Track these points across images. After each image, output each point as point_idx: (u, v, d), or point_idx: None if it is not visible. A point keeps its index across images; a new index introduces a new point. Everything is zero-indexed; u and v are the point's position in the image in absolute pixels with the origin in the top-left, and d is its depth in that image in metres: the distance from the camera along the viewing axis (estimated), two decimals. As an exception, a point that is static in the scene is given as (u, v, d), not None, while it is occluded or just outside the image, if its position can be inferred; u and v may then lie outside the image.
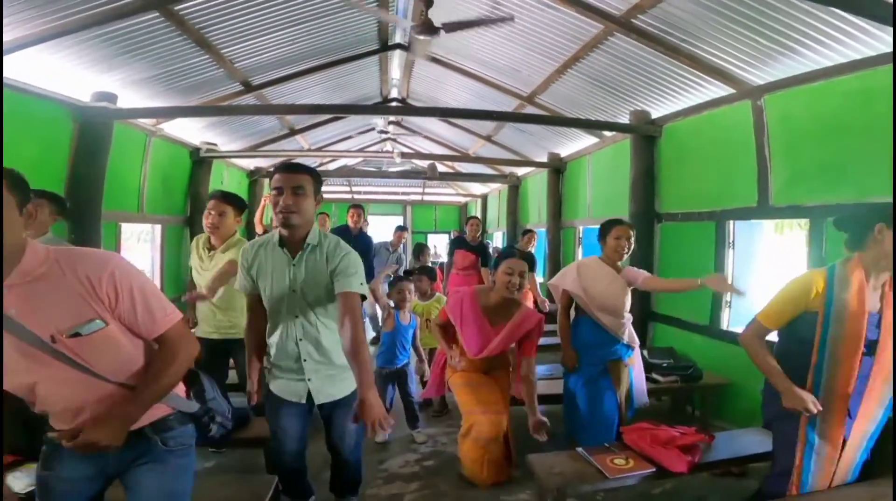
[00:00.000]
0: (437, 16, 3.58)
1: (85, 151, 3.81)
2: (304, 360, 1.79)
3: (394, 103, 7.00)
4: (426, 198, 12.15)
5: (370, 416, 1.49)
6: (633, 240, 2.77)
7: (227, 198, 2.72)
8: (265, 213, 5.00)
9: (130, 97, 4.12)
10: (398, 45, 5.18)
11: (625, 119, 4.79)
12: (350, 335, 1.64)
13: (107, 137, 3.92)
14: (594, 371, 2.75)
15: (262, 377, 1.98)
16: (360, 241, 5.00)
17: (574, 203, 6.45)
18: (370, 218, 12.02)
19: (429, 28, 3.59)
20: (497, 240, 9.94)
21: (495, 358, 2.66)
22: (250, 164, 7.49)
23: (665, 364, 3.57)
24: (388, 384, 3.34)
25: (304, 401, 1.85)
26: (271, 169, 7.78)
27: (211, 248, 2.74)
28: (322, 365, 1.81)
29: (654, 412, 2.97)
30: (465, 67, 5.29)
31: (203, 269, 2.75)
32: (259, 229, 5.44)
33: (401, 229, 5.81)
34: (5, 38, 2.78)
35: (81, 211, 3.77)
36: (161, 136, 4.99)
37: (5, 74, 3.04)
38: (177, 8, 3.17)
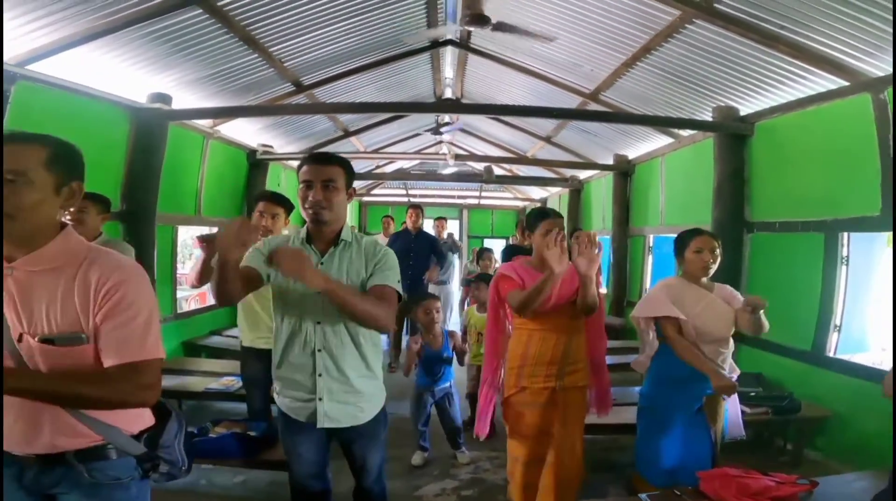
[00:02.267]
0: (492, 9, 3.29)
1: (141, 152, 3.88)
2: (320, 374, 1.57)
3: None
4: (483, 202, 11.80)
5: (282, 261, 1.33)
6: (718, 253, 2.27)
7: (277, 199, 2.58)
8: None
9: (186, 98, 4.17)
10: (450, 42, 4.91)
11: (706, 116, 4.20)
12: (369, 299, 1.50)
13: (162, 139, 3.97)
14: (690, 410, 2.26)
15: None
16: (420, 240, 4.90)
17: (643, 209, 5.84)
18: (425, 221, 11.99)
19: (478, 18, 3.30)
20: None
21: (562, 316, 2.18)
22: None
23: (753, 393, 3.15)
24: (427, 401, 3.04)
25: (315, 424, 1.60)
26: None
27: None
28: (337, 384, 1.58)
29: (736, 446, 2.48)
30: (521, 62, 4.91)
31: None
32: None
33: (440, 218, 5.79)
34: (52, 37, 2.81)
35: (136, 214, 3.84)
36: (218, 138, 5.06)
37: (60, 75, 3.10)
38: (220, 4, 3.09)
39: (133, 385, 1.03)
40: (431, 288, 5.34)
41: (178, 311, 4.67)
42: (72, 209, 2.54)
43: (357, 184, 10.54)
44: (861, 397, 2.88)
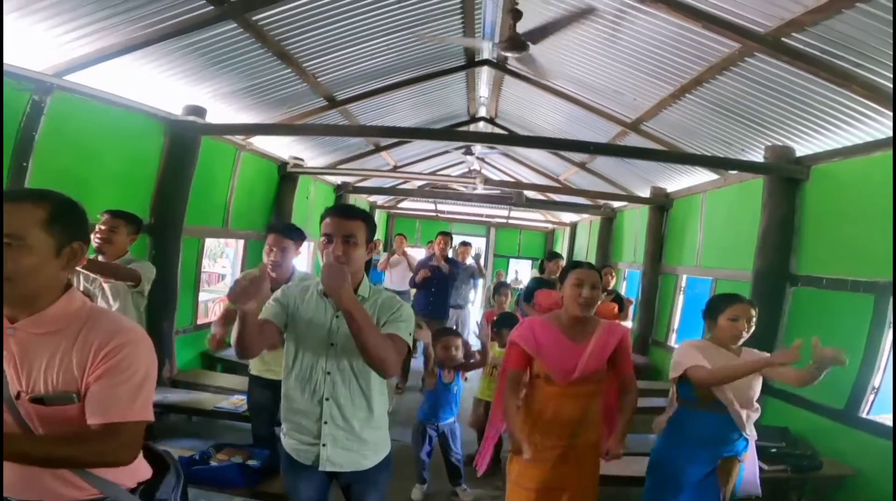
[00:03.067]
0: (528, 28, 3.18)
1: (173, 165, 3.89)
2: (325, 422, 1.60)
3: (481, 123, 6.67)
4: (511, 221, 11.61)
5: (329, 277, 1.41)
6: (754, 321, 2.12)
7: (286, 232, 2.52)
8: None
9: (221, 110, 4.19)
10: (486, 62, 4.81)
11: (757, 154, 3.94)
12: (385, 338, 1.51)
13: (194, 152, 3.98)
14: (704, 471, 2.11)
15: None
16: (449, 268, 5.03)
17: (679, 247, 5.56)
18: (453, 237, 11.90)
19: (516, 44, 3.18)
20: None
21: (581, 390, 2.08)
22: (337, 178, 7.58)
23: (775, 449, 3.00)
24: (428, 437, 3.00)
25: (318, 467, 1.63)
26: (359, 184, 7.84)
27: (271, 289, 2.52)
28: (342, 432, 1.61)
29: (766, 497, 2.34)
30: (559, 87, 4.76)
31: None
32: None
33: (464, 243, 5.78)
34: (91, 48, 2.83)
35: (164, 227, 3.86)
36: (250, 150, 5.09)
37: (97, 85, 3.13)
38: (254, 18, 3.08)
39: (112, 446, 1.02)
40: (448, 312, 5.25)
41: (198, 322, 4.67)
42: (102, 227, 2.57)
43: (384, 198, 10.54)
44: (888, 457, 2.73)
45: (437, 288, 4.94)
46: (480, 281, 6.40)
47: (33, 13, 2.45)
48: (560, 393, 2.03)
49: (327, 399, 1.58)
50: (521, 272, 11.45)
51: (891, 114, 2.79)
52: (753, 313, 2.11)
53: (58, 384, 1.02)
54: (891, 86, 2.61)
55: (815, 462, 2.92)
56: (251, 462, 2.73)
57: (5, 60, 2.50)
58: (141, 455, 1.12)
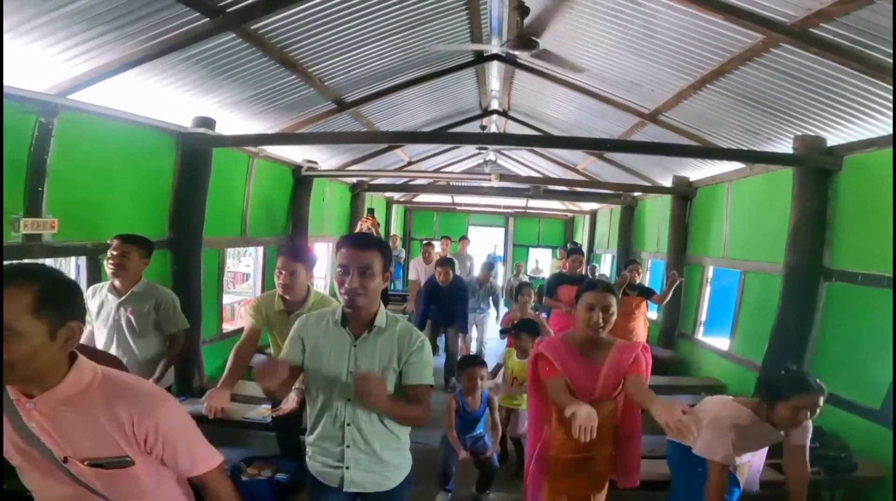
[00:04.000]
0: (549, 26, 3.05)
1: (187, 178, 3.91)
2: (348, 446, 1.64)
3: (494, 116, 6.53)
4: (530, 210, 11.44)
5: (365, 383, 1.44)
6: (819, 410, 1.90)
7: (297, 256, 2.50)
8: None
9: (231, 118, 4.19)
10: (495, 56, 4.67)
11: (786, 144, 3.74)
12: (415, 407, 1.61)
13: (207, 164, 4.00)
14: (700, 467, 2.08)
15: None
16: (453, 293, 4.79)
17: (704, 238, 5.37)
18: (471, 228, 11.82)
19: (524, 42, 3.07)
20: (605, 263, 8.95)
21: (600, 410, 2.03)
22: (352, 177, 7.58)
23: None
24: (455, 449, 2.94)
25: (342, 488, 1.69)
26: (374, 182, 7.81)
27: (287, 311, 2.54)
28: (364, 455, 1.65)
29: (777, 497, 2.25)
30: (573, 79, 4.59)
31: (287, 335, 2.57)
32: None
33: (489, 267, 5.50)
34: (91, 65, 2.81)
35: (183, 241, 3.90)
36: (263, 156, 5.09)
37: (103, 102, 3.12)
38: (253, 27, 3.03)
39: (222, 491, 1.23)
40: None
41: (223, 330, 4.77)
42: (114, 253, 2.61)
43: (400, 193, 10.41)
44: None
45: (446, 309, 4.78)
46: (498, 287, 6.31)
47: (26, 33, 2.41)
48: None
49: (349, 425, 1.62)
50: (542, 261, 11.32)
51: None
52: (821, 404, 1.87)
53: (104, 450, 1.07)
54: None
55: (850, 463, 2.87)
56: (279, 476, 2.81)
57: (6, 83, 2.46)
58: (183, 488, 1.24)
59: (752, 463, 2.25)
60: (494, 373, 3.54)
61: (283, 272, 2.43)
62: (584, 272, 4.93)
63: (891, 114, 2.88)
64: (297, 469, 2.67)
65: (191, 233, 3.96)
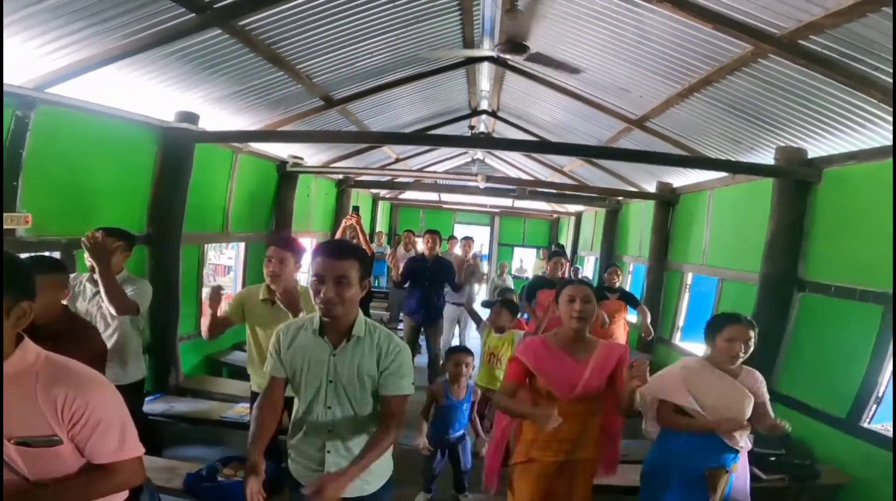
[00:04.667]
0: (539, 32, 3.05)
1: (168, 172, 3.82)
2: (329, 451, 1.65)
3: (483, 116, 6.53)
4: (515, 210, 11.49)
5: (320, 492, 1.44)
6: (752, 343, 2.11)
7: (286, 245, 2.50)
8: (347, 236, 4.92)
9: (215, 113, 4.10)
10: (486, 58, 4.66)
11: (768, 153, 3.82)
12: (383, 435, 1.59)
13: (189, 159, 3.91)
14: (687, 482, 2.16)
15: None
16: (436, 266, 4.73)
17: (685, 244, 5.47)
18: (457, 226, 11.82)
19: (515, 47, 3.07)
20: (588, 265, 9.04)
21: (582, 407, 2.12)
22: (338, 173, 7.50)
23: (774, 458, 3.00)
24: (437, 450, 2.99)
25: None
26: (360, 178, 7.74)
27: (271, 301, 2.51)
28: (344, 461, 1.64)
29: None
30: (563, 83, 4.61)
31: (267, 324, 2.51)
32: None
33: (466, 238, 5.59)
34: (71, 59, 2.73)
35: (162, 236, 3.81)
36: (247, 152, 5.00)
37: (83, 97, 3.03)
38: (241, 23, 2.96)
39: (115, 482, 1.20)
40: (448, 308, 5.14)
41: (201, 328, 4.67)
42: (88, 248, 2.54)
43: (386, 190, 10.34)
44: (885, 466, 2.77)
45: (428, 287, 4.66)
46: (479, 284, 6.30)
47: (6, 27, 2.31)
48: (561, 410, 2.01)
49: (329, 431, 1.63)
50: (526, 261, 11.40)
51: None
52: (752, 334, 2.09)
53: (34, 429, 1.08)
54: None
55: (813, 470, 2.93)
56: (255, 477, 2.77)
57: None
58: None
59: (738, 474, 2.29)
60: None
61: (273, 260, 2.42)
62: (565, 275, 4.95)
63: (874, 127, 2.96)
64: (274, 470, 2.64)
65: (170, 228, 3.87)
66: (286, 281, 2.45)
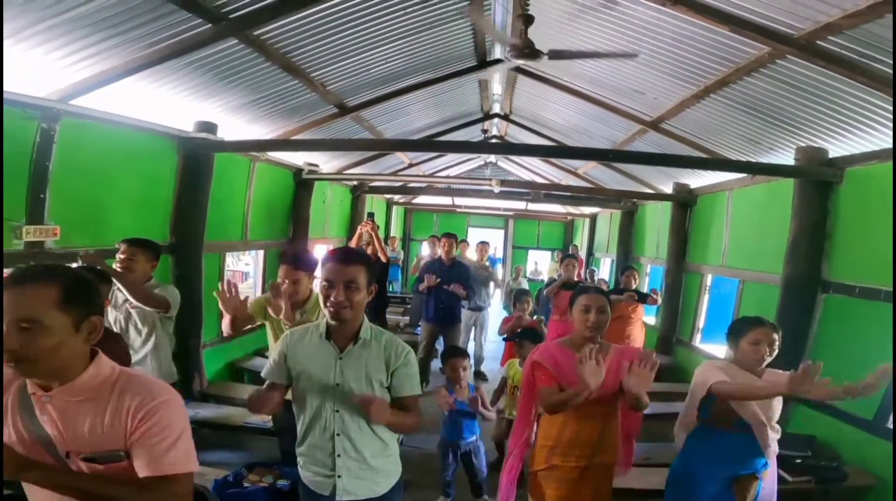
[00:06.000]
0: (540, 36, 3.04)
1: (189, 182, 3.91)
2: (339, 455, 1.67)
3: (495, 119, 6.55)
4: (529, 212, 11.43)
5: (372, 407, 1.52)
6: (777, 345, 2.10)
7: (299, 264, 2.54)
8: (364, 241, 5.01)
9: (232, 123, 4.18)
10: (498, 61, 4.68)
11: (787, 154, 3.76)
12: (410, 418, 1.67)
13: (209, 168, 4.00)
14: (716, 489, 2.14)
15: None
16: (453, 270, 4.75)
17: (703, 246, 5.39)
18: (471, 230, 11.83)
19: (529, 52, 3.05)
20: (604, 267, 8.96)
21: (600, 408, 2.11)
22: (353, 180, 7.57)
23: (800, 459, 2.98)
24: (450, 454, 3.01)
25: (335, 497, 1.71)
26: (375, 184, 7.81)
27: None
28: (355, 463, 1.69)
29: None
30: (576, 86, 4.60)
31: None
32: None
33: (482, 243, 5.55)
34: (93, 71, 2.80)
35: (184, 246, 3.90)
36: (265, 160, 5.09)
37: (104, 108, 3.11)
38: (256, 33, 3.02)
39: (164, 494, 1.10)
40: (465, 313, 5.18)
41: (223, 334, 4.76)
42: (121, 257, 2.62)
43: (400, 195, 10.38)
44: None
45: (446, 294, 4.66)
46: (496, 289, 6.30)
47: (27, 38, 2.41)
48: (578, 414, 2.06)
49: (338, 435, 1.65)
50: (541, 263, 11.33)
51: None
52: (776, 337, 2.10)
53: (103, 444, 1.09)
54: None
55: (840, 472, 2.90)
56: (280, 483, 2.83)
57: (8, 89, 2.45)
58: None
59: (766, 482, 2.26)
60: (499, 392, 3.48)
61: (287, 282, 2.46)
62: (581, 277, 4.94)
63: (892, 127, 2.90)
64: (298, 476, 2.69)
65: (192, 238, 3.96)
66: (301, 298, 2.54)
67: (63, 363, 1.05)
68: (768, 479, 2.30)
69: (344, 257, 1.63)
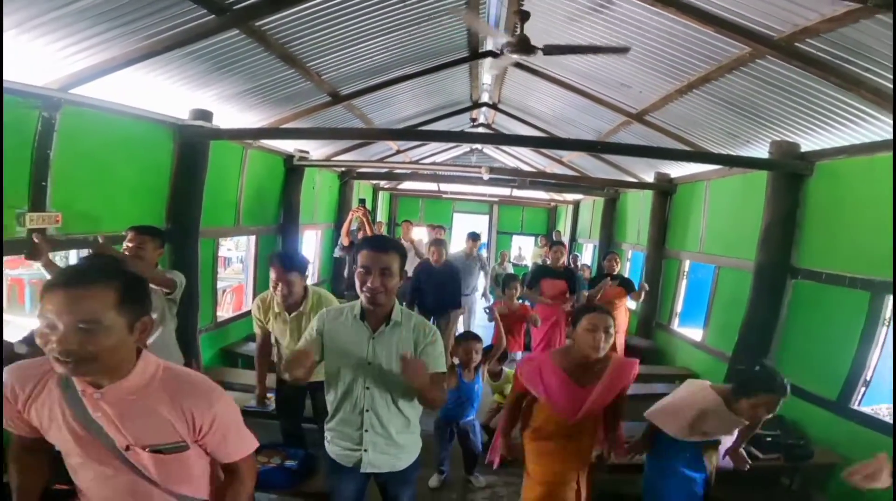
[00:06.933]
0: (533, 30, 3.15)
1: (185, 169, 3.92)
2: (366, 430, 1.79)
3: (483, 108, 6.64)
4: (514, 198, 11.61)
5: (411, 365, 1.60)
6: (777, 409, 2.07)
7: (289, 266, 2.60)
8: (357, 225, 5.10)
9: (226, 111, 4.18)
10: (489, 53, 4.76)
11: (763, 147, 3.98)
12: (437, 391, 1.74)
13: (204, 156, 4.01)
14: (683, 458, 2.28)
15: None
16: (445, 273, 4.68)
17: (682, 233, 5.64)
18: (455, 215, 11.95)
19: (524, 47, 3.15)
20: (587, 253, 9.23)
21: (585, 424, 2.25)
22: (343, 166, 7.57)
23: (770, 438, 3.12)
24: (448, 432, 3.17)
25: (360, 469, 1.85)
26: (363, 170, 7.83)
27: (287, 311, 2.70)
28: (381, 438, 1.81)
29: (744, 482, 2.52)
30: (564, 78, 4.73)
31: (291, 332, 2.70)
32: (345, 242, 5.45)
33: (475, 236, 5.46)
34: (93, 61, 2.80)
35: (181, 232, 3.92)
36: (257, 146, 5.09)
37: (105, 97, 3.11)
38: (258, 24, 3.05)
39: (249, 476, 1.34)
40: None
41: (217, 319, 4.82)
42: (130, 245, 2.66)
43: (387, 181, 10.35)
44: (874, 447, 2.80)
45: (437, 295, 4.60)
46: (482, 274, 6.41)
47: (31, 29, 2.41)
48: (563, 430, 2.19)
49: (367, 411, 1.77)
50: (525, 249, 11.56)
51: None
52: (781, 403, 2.04)
53: (164, 437, 1.17)
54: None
55: (807, 450, 3.08)
56: (289, 463, 2.93)
57: (9, 78, 2.45)
58: (210, 468, 1.34)
59: (724, 444, 2.41)
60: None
61: (280, 284, 2.55)
62: (566, 264, 5.09)
63: (864, 124, 3.10)
64: (304, 457, 2.79)
65: (188, 224, 3.98)
66: (297, 298, 2.64)
67: (117, 362, 1.10)
68: (727, 441, 2.43)
69: (381, 244, 1.71)
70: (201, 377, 1.25)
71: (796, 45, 2.71)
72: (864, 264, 3.17)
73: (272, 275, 2.57)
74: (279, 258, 2.65)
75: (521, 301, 4.64)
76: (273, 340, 2.86)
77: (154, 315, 2.73)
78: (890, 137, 3.02)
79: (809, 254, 3.67)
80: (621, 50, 2.95)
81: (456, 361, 3.13)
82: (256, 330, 2.83)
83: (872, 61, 2.57)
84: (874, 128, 3.07)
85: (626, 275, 6.01)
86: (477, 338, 3.19)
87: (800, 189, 3.73)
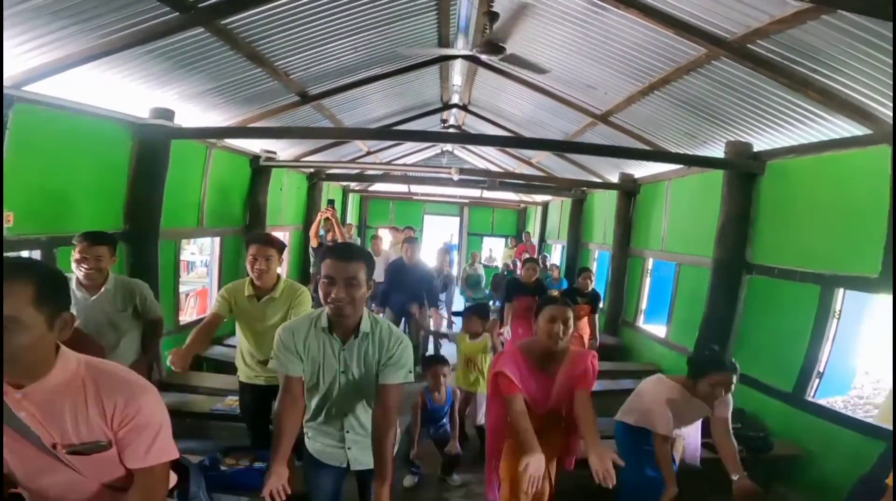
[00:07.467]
0: (510, 31, 3.22)
1: (144, 169, 3.79)
2: (347, 431, 1.83)
3: (454, 109, 6.69)
4: (484, 200, 11.72)
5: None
6: (734, 386, 2.23)
7: (269, 241, 2.58)
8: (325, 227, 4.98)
9: (189, 110, 4.07)
10: (460, 56, 4.80)
11: (719, 146, 4.17)
12: (381, 424, 1.71)
13: (165, 155, 3.89)
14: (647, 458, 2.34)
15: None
16: (416, 272, 4.72)
17: (645, 232, 5.84)
18: (426, 217, 11.96)
19: (492, 47, 3.24)
20: (555, 253, 9.41)
21: (554, 414, 2.31)
22: (311, 167, 7.47)
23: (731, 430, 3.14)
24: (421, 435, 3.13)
25: (343, 465, 1.88)
26: (331, 171, 7.75)
27: (256, 296, 2.61)
28: (362, 438, 1.83)
29: (705, 475, 2.56)
30: (532, 80, 4.82)
31: (256, 320, 2.62)
32: (314, 243, 5.37)
33: (444, 252, 5.51)
34: (48, 57, 2.70)
35: (140, 233, 3.79)
36: (221, 146, 4.97)
37: (58, 94, 3.01)
38: (223, 23, 2.99)
39: (157, 481, 1.21)
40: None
41: (179, 323, 4.66)
42: (86, 257, 2.50)
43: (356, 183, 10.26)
44: (831, 439, 3.04)
45: (409, 293, 4.63)
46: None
47: None
48: (538, 422, 2.16)
49: (346, 414, 1.80)
50: (495, 250, 11.68)
51: (841, 117, 3.02)
52: (734, 381, 2.20)
53: (86, 436, 1.11)
54: (844, 91, 2.81)
55: (767, 442, 3.14)
56: (258, 465, 2.89)
57: None
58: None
59: (689, 440, 2.50)
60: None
61: (259, 259, 2.50)
62: (538, 280, 5.08)
63: (811, 124, 3.28)
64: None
65: (148, 225, 3.85)
66: (272, 276, 2.57)
67: (37, 360, 1.05)
68: (691, 436, 2.52)
69: (345, 253, 1.63)
70: (128, 371, 1.19)
71: (748, 46, 2.84)
72: (812, 259, 3.35)
73: (252, 251, 2.51)
74: (257, 235, 2.65)
75: (491, 303, 4.64)
76: (238, 353, 2.80)
77: (122, 324, 2.66)
78: (835, 136, 3.21)
79: (763, 250, 3.85)
80: (542, 71, 3.06)
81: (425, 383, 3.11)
82: (213, 309, 2.67)
83: (819, 62, 2.71)
84: (822, 128, 3.26)
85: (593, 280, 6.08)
86: (445, 362, 3.18)
87: (753, 188, 3.92)
